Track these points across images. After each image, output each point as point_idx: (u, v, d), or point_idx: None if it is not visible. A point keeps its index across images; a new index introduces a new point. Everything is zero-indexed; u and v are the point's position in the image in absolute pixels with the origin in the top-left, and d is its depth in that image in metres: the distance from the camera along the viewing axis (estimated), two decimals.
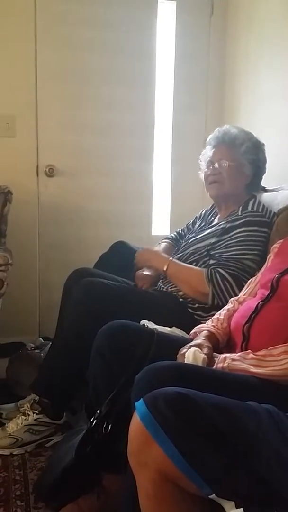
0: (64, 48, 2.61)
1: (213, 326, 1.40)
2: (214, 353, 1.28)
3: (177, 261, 1.88)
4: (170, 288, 1.87)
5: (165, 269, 1.84)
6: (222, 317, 1.43)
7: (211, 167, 1.94)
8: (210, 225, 2.01)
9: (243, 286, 1.65)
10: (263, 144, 1.97)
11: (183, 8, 2.78)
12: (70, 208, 2.72)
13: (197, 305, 1.78)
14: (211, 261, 1.80)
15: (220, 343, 1.35)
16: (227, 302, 1.62)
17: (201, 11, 2.81)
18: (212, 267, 1.76)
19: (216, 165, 1.91)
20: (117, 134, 2.74)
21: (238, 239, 1.77)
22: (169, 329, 1.49)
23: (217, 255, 1.79)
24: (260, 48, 2.47)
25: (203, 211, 2.18)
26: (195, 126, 2.84)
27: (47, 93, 2.61)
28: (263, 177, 2.02)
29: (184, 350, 1.23)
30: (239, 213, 1.85)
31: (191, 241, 1.96)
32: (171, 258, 1.90)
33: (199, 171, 2.04)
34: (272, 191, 2.05)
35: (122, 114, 2.73)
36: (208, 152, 1.99)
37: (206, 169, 1.97)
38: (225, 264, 1.74)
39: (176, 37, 2.80)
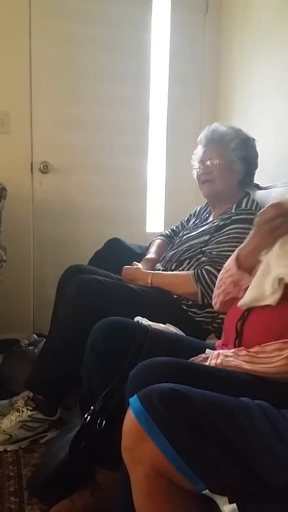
0: (59, 44, 2.60)
1: None
2: (207, 349, 1.28)
3: (158, 271, 1.91)
4: None
5: (149, 282, 1.85)
6: None
7: (202, 166, 1.95)
8: (204, 223, 2.01)
9: None
10: (253, 139, 1.97)
11: (178, 5, 2.78)
12: (64, 205, 2.71)
13: (191, 302, 1.79)
14: (203, 258, 1.81)
15: None
16: None
17: (196, 8, 2.81)
18: (201, 266, 1.77)
19: (208, 163, 1.92)
20: (111, 130, 2.74)
21: (229, 236, 1.78)
22: (163, 325, 1.49)
23: (208, 251, 1.80)
24: (255, 45, 2.48)
25: (198, 209, 2.19)
26: (190, 123, 2.83)
27: (42, 90, 2.60)
28: (257, 174, 2.02)
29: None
30: (233, 211, 1.85)
31: (185, 238, 1.97)
32: (151, 271, 1.91)
33: (192, 171, 2.04)
34: (266, 188, 2.05)
35: (117, 110, 2.73)
36: (199, 151, 2.00)
37: (198, 169, 1.98)
38: (214, 260, 1.75)
39: (171, 34, 2.79)
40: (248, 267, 1.32)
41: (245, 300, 1.24)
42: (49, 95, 2.62)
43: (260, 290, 1.22)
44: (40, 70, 2.58)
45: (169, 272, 1.88)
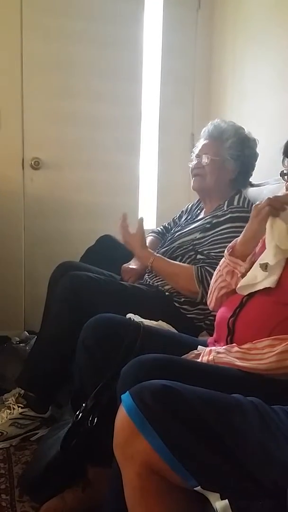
0: (51, 39, 2.58)
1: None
2: (199, 346, 1.28)
3: (162, 256, 1.86)
4: (156, 282, 1.87)
5: (149, 264, 1.83)
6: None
7: (196, 160, 1.95)
8: (195, 219, 2.01)
9: None
10: (253, 140, 1.94)
11: (170, 0, 2.78)
12: (55, 201, 2.70)
13: (183, 299, 1.78)
14: (198, 256, 1.79)
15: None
16: None
17: (188, 4, 2.81)
18: (201, 265, 1.75)
19: (201, 158, 1.92)
20: (103, 126, 2.73)
21: (224, 236, 1.75)
22: (155, 322, 1.49)
23: (205, 251, 1.78)
24: (247, 42, 2.47)
25: (189, 205, 2.18)
26: (182, 120, 2.83)
27: (33, 85, 2.58)
28: None
29: None
30: (225, 208, 1.84)
31: (177, 235, 1.96)
32: (156, 253, 1.88)
33: (189, 163, 2.03)
34: (258, 185, 2.05)
35: (109, 106, 2.72)
36: (199, 144, 2.00)
37: (193, 161, 1.98)
38: (214, 262, 1.73)
39: (163, 30, 2.79)
40: (241, 255, 1.33)
41: (242, 283, 1.25)
42: (40, 91, 2.61)
43: (252, 275, 1.23)
44: (31, 65, 2.57)
45: (172, 262, 1.83)
